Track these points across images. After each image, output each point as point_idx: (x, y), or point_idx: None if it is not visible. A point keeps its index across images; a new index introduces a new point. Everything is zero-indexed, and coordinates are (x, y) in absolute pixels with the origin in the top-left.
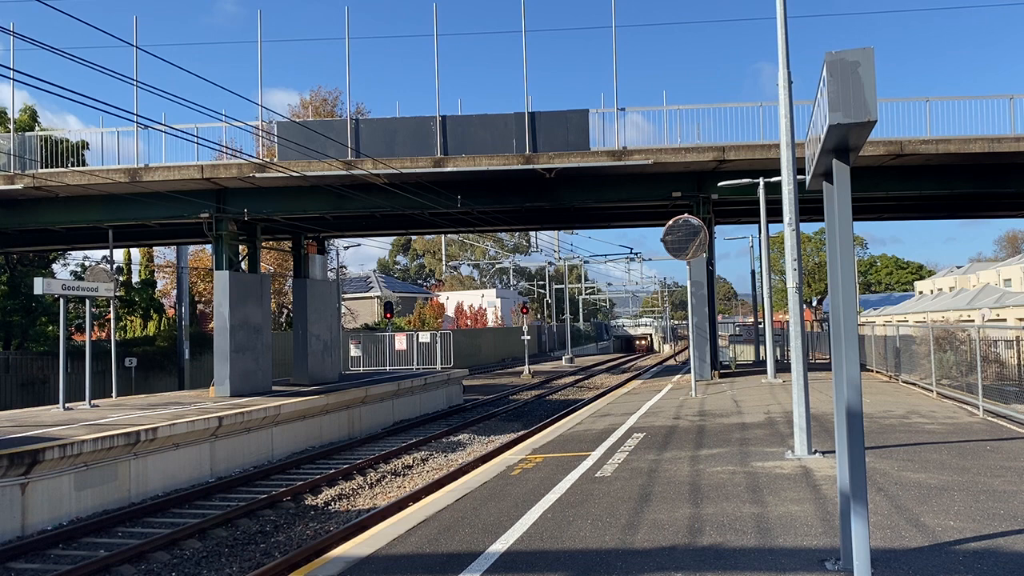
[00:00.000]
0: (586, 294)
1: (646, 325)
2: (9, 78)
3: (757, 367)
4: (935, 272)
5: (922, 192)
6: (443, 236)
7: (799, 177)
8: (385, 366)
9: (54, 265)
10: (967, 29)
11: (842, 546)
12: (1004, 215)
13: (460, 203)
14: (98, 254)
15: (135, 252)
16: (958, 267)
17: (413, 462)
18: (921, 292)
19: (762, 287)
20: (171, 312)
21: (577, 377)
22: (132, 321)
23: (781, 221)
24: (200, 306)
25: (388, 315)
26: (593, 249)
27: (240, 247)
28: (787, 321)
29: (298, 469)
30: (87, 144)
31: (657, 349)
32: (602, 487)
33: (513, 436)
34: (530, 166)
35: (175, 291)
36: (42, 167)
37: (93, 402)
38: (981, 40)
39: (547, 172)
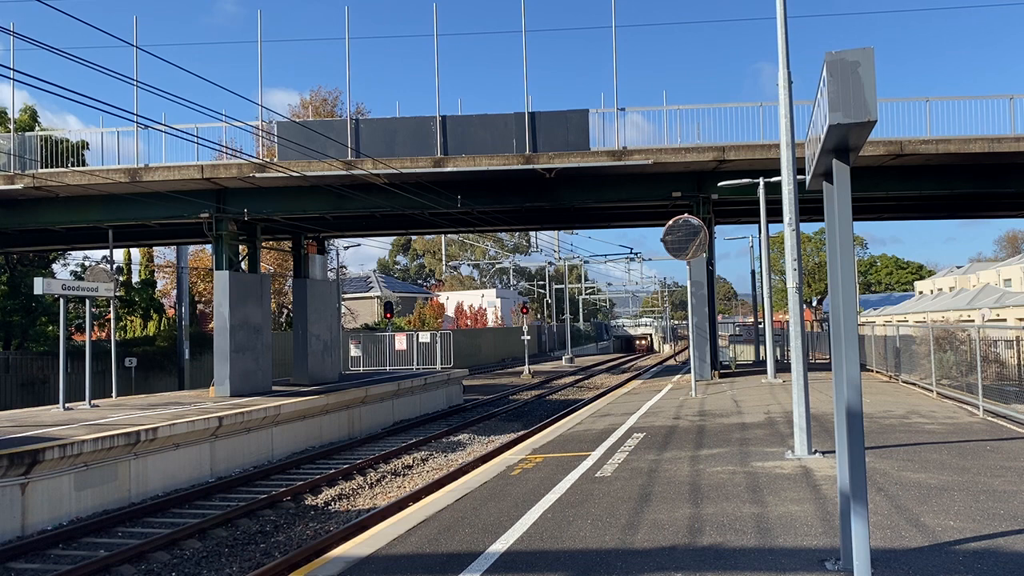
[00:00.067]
0: (586, 294)
1: (646, 325)
2: (9, 78)
3: (757, 367)
4: (935, 272)
5: (922, 192)
6: (443, 236)
7: (799, 177)
8: (385, 366)
9: (54, 265)
10: (967, 29)
11: (842, 546)
12: (1004, 215)
13: (460, 203)
14: (98, 254)
15: (135, 252)
16: (958, 267)
17: (413, 462)
18: (921, 292)
19: (762, 287)
20: (171, 312)
21: (577, 377)
22: (132, 321)
23: (781, 221)
24: (200, 306)
25: (388, 315)
26: (593, 249)
27: (240, 247)
28: (787, 321)
29: (298, 469)
30: (87, 144)
31: (657, 349)
32: (602, 487)
33: (513, 436)
34: (530, 166)
35: (175, 291)
36: (42, 167)
37: (93, 402)
38: (981, 40)
39: (547, 172)
